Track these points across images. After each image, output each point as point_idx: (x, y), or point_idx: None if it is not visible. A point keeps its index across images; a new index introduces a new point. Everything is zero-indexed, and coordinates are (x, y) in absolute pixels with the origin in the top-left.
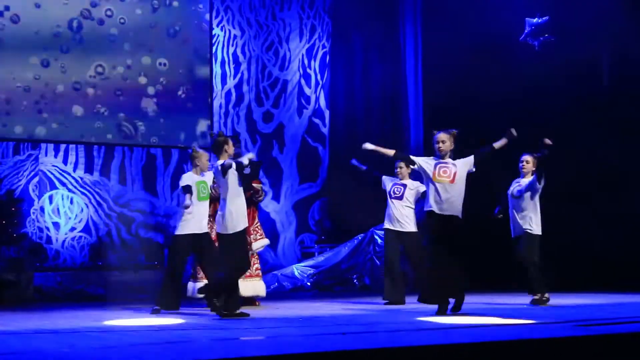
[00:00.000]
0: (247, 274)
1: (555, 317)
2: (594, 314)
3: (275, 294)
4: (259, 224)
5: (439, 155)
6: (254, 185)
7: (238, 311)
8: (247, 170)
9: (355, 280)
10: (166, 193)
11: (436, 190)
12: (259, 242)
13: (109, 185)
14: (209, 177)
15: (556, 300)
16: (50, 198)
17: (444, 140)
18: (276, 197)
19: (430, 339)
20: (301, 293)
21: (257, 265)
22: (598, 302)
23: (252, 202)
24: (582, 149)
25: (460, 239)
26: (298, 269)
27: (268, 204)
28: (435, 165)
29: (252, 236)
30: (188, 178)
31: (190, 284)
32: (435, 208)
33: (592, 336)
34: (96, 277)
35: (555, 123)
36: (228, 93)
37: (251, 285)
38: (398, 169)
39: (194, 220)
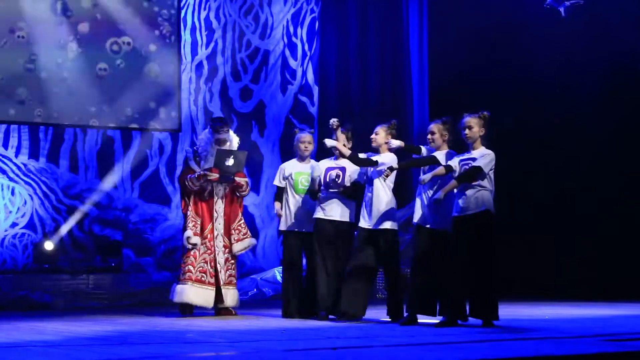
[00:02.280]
0: (232, 280)
1: (580, 331)
2: (624, 327)
3: (254, 302)
4: (242, 221)
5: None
6: (237, 179)
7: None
8: (229, 162)
9: None
10: (126, 183)
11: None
12: (241, 244)
13: (58, 174)
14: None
15: (582, 311)
16: None
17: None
18: (255, 189)
19: (434, 354)
20: None
21: (233, 272)
22: (629, 313)
23: (235, 197)
24: (613, 146)
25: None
26: (281, 273)
27: (246, 197)
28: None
29: (232, 236)
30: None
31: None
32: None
33: (623, 353)
34: (42, 282)
35: (580, 106)
36: (199, 65)
37: (229, 293)
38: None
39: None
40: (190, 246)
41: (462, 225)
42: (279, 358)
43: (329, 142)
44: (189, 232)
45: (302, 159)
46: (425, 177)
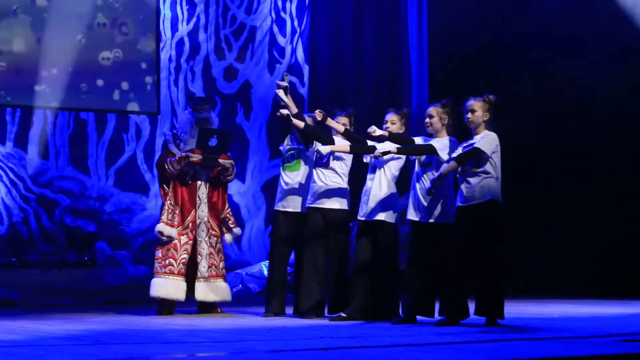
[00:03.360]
0: (214, 273)
1: (591, 331)
2: (639, 327)
3: (239, 299)
4: (229, 209)
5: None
6: (221, 161)
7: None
8: (213, 142)
9: None
10: (100, 170)
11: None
12: (234, 231)
13: (26, 159)
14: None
15: (593, 309)
16: None
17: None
18: (241, 176)
19: (433, 356)
20: None
21: (224, 264)
22: None
23: (220, 182)
24: (629, 131)
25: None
26: (268, 267)
27: (230, 185)
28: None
29: (224, 225)
30: None
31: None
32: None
33: (638, 354)
34: (9, 278)
35: (592, 87)
36: (180, 42)
37: (220, 287)
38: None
39: None
40: (165, 239)
41: (466, 217)
42: (265, 359)
43: (324, 150)
44: (160, 225)
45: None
46: (437, 177)
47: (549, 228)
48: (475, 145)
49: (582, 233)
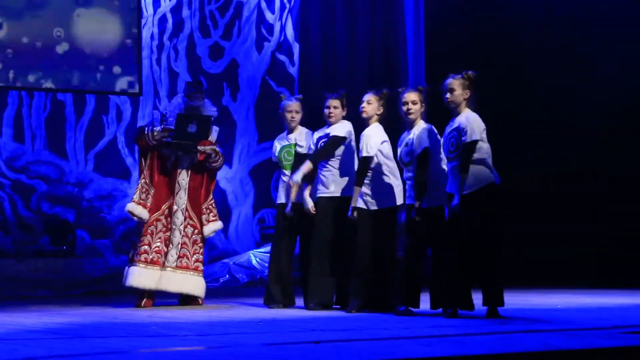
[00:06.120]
0: (184, 264)
1: (596, 322)
2: None
3: (226, 289)
4: (213, 200)
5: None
6: (201, 148)
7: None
8: (192, 128)
9: None
10: (78, 154)
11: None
12: (211, 226)
13: (0, 143)
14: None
15: (598, 299)
16: None
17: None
18: (227, 160)
19: (430, 350)
20: (261, 288)
21: (200, 257)
22: None
23: (206, 169)
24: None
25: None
26: (257, 257)
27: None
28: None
29: (203, 217)
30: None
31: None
32: None
33: None
34: None
35: (591, 68)
36: (162, 19)
37: (189, 280)
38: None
39: None
40: (136, 219)
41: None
42: (253, 353)
43: (296, 178)
44: (131, 205)
45: (289, 130)
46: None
47: (552, 217)
48: (469, 141)
49: (585, 222)
